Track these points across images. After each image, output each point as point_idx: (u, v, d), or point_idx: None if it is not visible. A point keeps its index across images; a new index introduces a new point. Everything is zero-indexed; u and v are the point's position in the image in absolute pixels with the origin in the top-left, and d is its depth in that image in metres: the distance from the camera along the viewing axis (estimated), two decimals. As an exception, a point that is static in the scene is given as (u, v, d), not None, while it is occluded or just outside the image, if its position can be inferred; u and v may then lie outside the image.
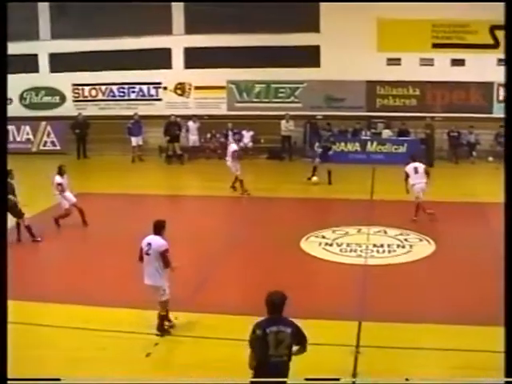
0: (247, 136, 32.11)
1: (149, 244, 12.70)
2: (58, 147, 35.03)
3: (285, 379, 8.54)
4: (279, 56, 31.73)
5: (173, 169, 31.05)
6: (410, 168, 20.80)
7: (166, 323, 12.90)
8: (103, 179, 28.70)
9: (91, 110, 34.62)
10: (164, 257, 12.58)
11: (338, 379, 9.63)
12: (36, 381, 9.77)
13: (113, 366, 11.54)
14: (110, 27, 33.39)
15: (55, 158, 33.52)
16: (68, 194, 20.84)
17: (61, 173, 20.84)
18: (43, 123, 35.27)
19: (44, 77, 35.49)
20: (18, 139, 35.62)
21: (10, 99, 35.83)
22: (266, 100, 32.89)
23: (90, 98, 35.11)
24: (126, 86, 34.38)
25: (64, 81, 35.11)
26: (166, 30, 33.25)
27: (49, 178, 28.57)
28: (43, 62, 35.37)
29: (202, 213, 23.19)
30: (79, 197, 23.48)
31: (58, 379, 9.30)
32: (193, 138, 32.64)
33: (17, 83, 35.16)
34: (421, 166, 20.90)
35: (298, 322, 8.78)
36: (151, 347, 12.13)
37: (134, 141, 32.70)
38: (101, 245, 18.48)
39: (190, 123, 32.49)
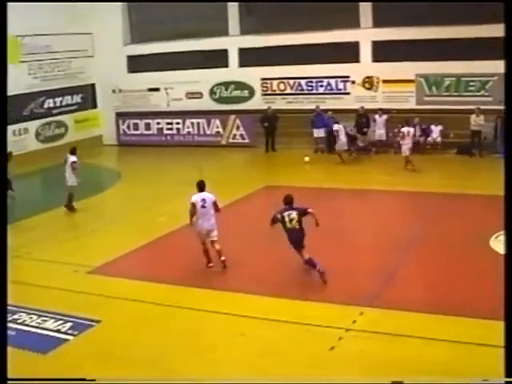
0: (436, 131, 31.44)
1: (203, 199, 16.44)
2: (247, 140, 35.70)
3: (301, 239, 15.45)
4: (469, 48, 30.82)
5: (357, 162, 30.85)
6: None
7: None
8: (289, 172, 28.96)
9: (279, 104, 35.00)
10: (216, 204, 16.57)
11: None
12: (37, 381, 9.99)
13: (296, 359, 11.67)
14: (298, 22, 33.72)
15: (244, 151, 34.42)
16: None
17: (74, 153, 23.83)
18: (232, 117, 36.06)
19: (233, 71, 36.27)
20: (208, 132, 36.68)
21: (201, 93, 36.97)
22: (456, 94, 31.99)
23: (278, 92, 35.50)
24: (314, 80, 34.45)
25: (253, 75, 35.72)
26: (354, 23, 33.11)
27: (240, 167, 29.27)
28: (233, 57, 36.16)
29: (385, 207, 23.01)
30: (266, 189, 23.91)
31: (81, 379, 9.44)
32: (379, 132, 32.28)
33: (208, 78, 36.34)
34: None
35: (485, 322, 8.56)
36: (335, 341, 12.15)
37: (316, 132, 32.90)
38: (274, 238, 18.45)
39: (376, 117, 32.22)
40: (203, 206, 16.34)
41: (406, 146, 27.96)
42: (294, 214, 15.42)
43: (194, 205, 16.38)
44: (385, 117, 31.92)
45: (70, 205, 23.72)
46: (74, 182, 23.63)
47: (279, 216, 15.51)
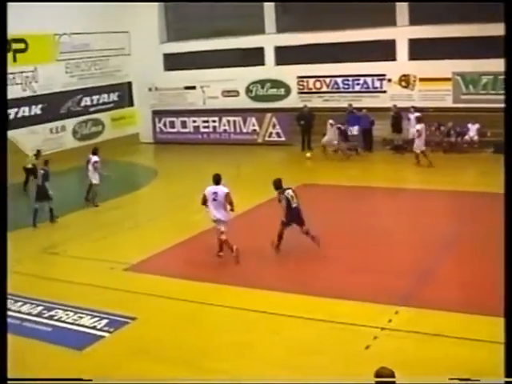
0: (473, 129, 31.16)
1: (215, 193, 16.89)
2: (283, 138, 35.67)
3: (301, 215, 17.09)
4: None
5: (392, 160, 30.71)
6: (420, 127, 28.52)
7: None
8: (326, 170, 28.97)
9: (315, 102, 34.91)
10: (229, 198, 16.86)
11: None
12: (37, 381, 9.98)
13: (331, 358, 11.64)
14: (334, 20, 33.62)
15: (280, 149, 34.39)
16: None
17: (96, 153, 24.78)
18: (269, 115, 36.03)
19: (270, 69, 36.30)
20: (245, 130, 36.70)
21: (237, 91, 37.01)
22: (493, 92, 31.66)
23: (314, 90, 35.44)
24: (351, 78, 34.33)
25: (289, 73, 35.71)
26: (390, 21, 32.91)
27: (277, 166, 29.20)
28: (269, 56, 36.17)
29: (420, 205, 22.80)
30: (303, 187, 23.79)
31: (79, 379, 9.45)
32: (413, 131, 31.91)
33: (244, 76, 36.38)
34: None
35: None
36: (370, 340, 12.11)
37: (349, 131, 32.69)
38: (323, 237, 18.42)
39: (410, 115, 31.88)
40: (214, 199, 16.97)
41: (421, 142, 28.48)
42: (292, 192, 17.29)
43: (204, 196, 17.12)
44: (416, 115, 31.57)
45: (92, 201, 24.53)
46: (97, 180, 24.46)
47: (283, 195, 17.08)
